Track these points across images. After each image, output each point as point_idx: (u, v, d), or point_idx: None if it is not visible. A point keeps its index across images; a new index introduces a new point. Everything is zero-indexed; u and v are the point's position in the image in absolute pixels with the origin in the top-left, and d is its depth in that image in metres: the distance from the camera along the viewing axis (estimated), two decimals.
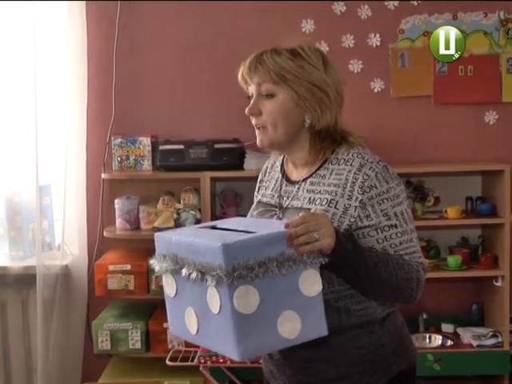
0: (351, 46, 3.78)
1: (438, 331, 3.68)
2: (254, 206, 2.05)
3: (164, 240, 1.72)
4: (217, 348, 1.64)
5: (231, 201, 3.74)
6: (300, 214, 1.65)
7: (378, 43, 3.79)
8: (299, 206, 1.86)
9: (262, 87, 1.84)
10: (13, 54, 3.72)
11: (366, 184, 1.78)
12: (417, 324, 3.68)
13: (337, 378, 1.84)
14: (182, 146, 3.60)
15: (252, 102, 1.86)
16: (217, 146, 3.60)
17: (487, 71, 3.79)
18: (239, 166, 3.58)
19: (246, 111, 1.88)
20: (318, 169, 1.88)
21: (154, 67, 3.85)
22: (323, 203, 1.81)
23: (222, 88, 3.79)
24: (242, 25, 3.79)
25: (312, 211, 1.74)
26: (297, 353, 1.78)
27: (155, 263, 1.72)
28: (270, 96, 1.84)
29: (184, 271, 1.60)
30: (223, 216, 3.68)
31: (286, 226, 1.60)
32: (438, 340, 3.60)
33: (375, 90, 3.81)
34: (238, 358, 1.55)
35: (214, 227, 1.73)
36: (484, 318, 3.77)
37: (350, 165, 1.82)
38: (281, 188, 1.97)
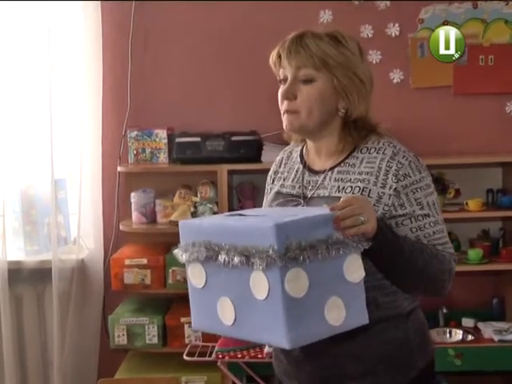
0: (370, 36, 3.72)
1: (459, 326, 3.62)
2: (271, 196, 2.00)
3: (191, 227, 1.65)
4: (260, 337, 1.57)
5: (248, 194, 3.70)
6: (342, 199, 1.61)
7: (397, 33, 3.73)
8: (326, 194, 1.83)
9: (301, 71, 1.80)
10: (28, 49, 3.69)
11: (400, 172, 1.77)
12: (437, 318, 3.63)
13: (361, 374, 1.80)
14: (198, 139, 3.56)
15: (287, 85, 1.82)
16: (234, 138, 3.55)
17: (508, 61, 3.72)
18: (257, 159, 3.54)
19: (281, 94, 1.84)
20: (346, 158, 1.85)
21: (170, 60, 3.82)
22: (355, 191, 1.78)
23: (238, 80, 3.75)
24: (258, 16, 3.74)
25: (351, 196, 1.72)
26: (320, 348, 1.72)
27: (181, 253, 1.65)
28: (309, 81, 1.80)
29: (223, 257, 1.53)
30: (241, 209, 3.64)
31: (332, 209, 1.57)
32: (458, 335, 3.54)
33: (394, 81, 3.76)
34: (288, 346, 1.49)
35: (241, 214, 1.67)
36: (505, 313, 3.71)
37: (383, 153, 1.80)
38: (303, 178, 1.92)
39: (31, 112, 3.74)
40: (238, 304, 1.57)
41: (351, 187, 1.80)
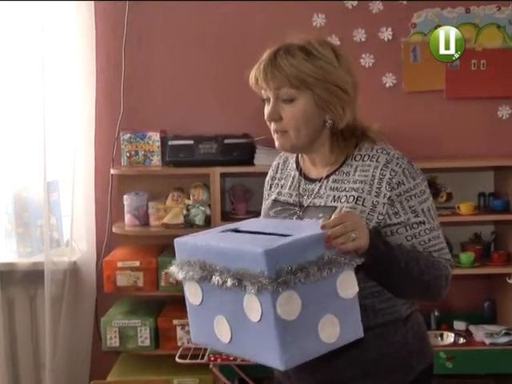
0: (363, 40, 3.74)
1: (450, 329, 3.63)
2: (268, 204, 1.99)
3: (186, 245, 1.65)
4: (255, 357, 1.58)
5: (241, 196, 3.71)
6: (334, 215, 1.62)
7: (390, 37, 3.75)
8: (322, 204, 1.82)
9: (281, 91, 1.78)
10: (21, 51, 3.68)
11: (393, 180, 1.76)
12: (429, 321, 3.63)
13: (359, 376, 1.80)
14: (191, 142, 3.56)
15: (271, 106, 1.80)
16: (226, 141, 3.56)
17: (500, 65, 3.74)
18: (249, 162, 3.54)
19: (266, 117, 1.82)
20: (341, 166, 1.84)
21: (163, 62, 3.82)
22: (349, 200, 1.77)
23: (231, 83, 3.75)
24: (251, 19, 3.75)
25: (342, 211, 1.72)
26: None
27: (177, 271, 1.64)
28: (290, 101, 1.78)
29: (216, 278, 1.54)
30: (233, 212, 3.65)
31: (323, 227, 1.56)
32: (450, 338, 3.55)
33: (387, 85, 3.77)
34: (282, 368, 1.51)
35: (236, 230, 1.67)
36: (496, 316, 3.72)
37: (376, 161, 1.79)
38: (299, 186, 1.92)
39: (24, 114, 3.72)
40: (234, 324, 1.58)
41: (346, 196, 1.79)
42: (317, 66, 1.76)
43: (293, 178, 1.96)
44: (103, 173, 3.76)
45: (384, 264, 1.67)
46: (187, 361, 3.27)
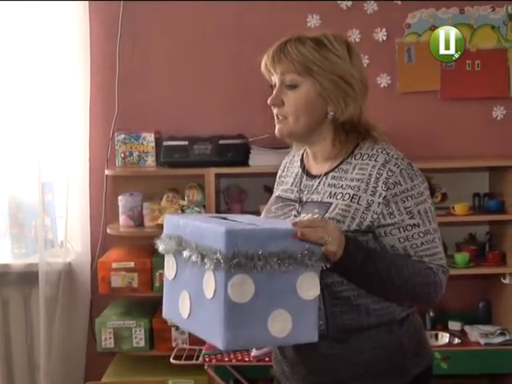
0: (357, 40, 3.73)
1: (445, 329, 3.64)
2: (271, 200, 2.01)
3: (172, 222, 1.73)
4: (204, 335, 1.63)
5: (236, 197, 3.71)
6: (309, 215, 1.64)
7: (385, 38, 3.75)
8: (319, 199, 1.83)
9: (286, 77, 1.81)
10: (15, 50, 3.67)
11: (390, 180, 1.75)
12: (424, 322, 3.61)
13: (353, 378, 1.80)
14: (186, 142, 3.56)
15: (275, 92, 1.83)
16: (221, 141, 3.55)
17: (495, 66, 3.75)
18: (244, 162, 3.54)
19: (269, 101, 1.84)
20: (341, 163, 1.84)
21: (158, 63, 3.81)
22: (345, 198, 1.77)
23: (226, 83, 3.76)
24: (247, 20, 3.75)
25: (321, 217, 1.73)
26: (313, 350, 1.74)
27: (160, 243, 1.73)
28: (294, 87, 1.80)
29: (185, 253, 1.60)
30: (228, 212, 3.64)
31: (295, 224, 1.58)
32: (445, 338, 3.56)
33: (381, 85, 3.77)
34: (222, 347, 1.54)
35: (224, 218, 1.71)
36: (491, 316, 3.73)
37: (375, 160, 1.78)
38: (301, 182, 1.93)
39: (18, 114, 3.71)
40: (194, 300, 1.63)
41: (342, 193, 1.79)
42: (324, 56, 1.78)
43: (296, 175, 1.97)
44: (98, 173, 3.75)
45: (360, 275, 1.68)
46: (182, 362, 3.27)
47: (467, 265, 3.52)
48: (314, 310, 1.60)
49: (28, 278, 3.64)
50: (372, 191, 1.76)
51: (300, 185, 1.93)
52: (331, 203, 1.78)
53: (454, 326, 3.65)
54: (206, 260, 1.53)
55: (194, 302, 1.63)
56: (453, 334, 3.58)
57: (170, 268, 1.73)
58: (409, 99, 3.78)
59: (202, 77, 3.79)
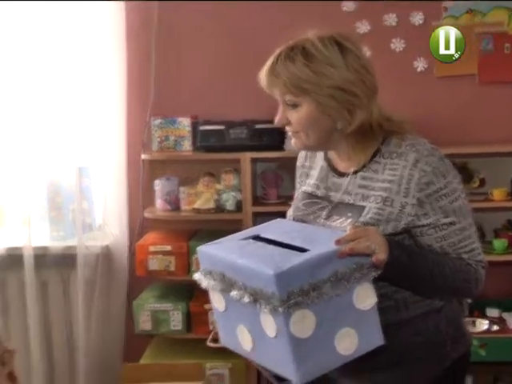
0: (394, 24, 3.70)
1: (483, 316, 3.60)
2: (298, 196, 1.99)
3: (208, 255, 1.68)
4: (275, 368, 1.62)
5: (272, 181, 3.71)
6: (350, 228, 1.61)
7: (421, 21, 3.71)
8: (351, 202, 1.80)
9: (285, 97, 1.78)
10: (52, 37, 3.70)
11: (422, 181, 1.72)
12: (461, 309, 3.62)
13: (390, 364, 1.80)
14: (222, 127, 3.57)
15: (279, 112, 1.82)
16: (257, 126, 3.56)
17: None
18: (279, 147, 3.54)
19: (275, 123, 1.83)
20: (369, 162, 1.81)
21: (194, 48, 3.81)
22: (378, 201, 1.75)
23: (260, 68, 3.74)
24: (283, 7, 3.72)
25: (358, 224, 1.71)
26: None
27: (202, 278, 1.68)
28: (295, 106, 1.77)
29: (234, 293, 1.56)
30: (264, 197, 3.65)
31: (337, 242, 1.56)
32: (483, 325, 3.52)
33: (418, 70, 3.73)
34: (299, 383, 1.53)
35: (257, 237, 1.69)
36: None
37: (405, 160, 1.75)
38: (327, 178, 1.90)
39: (57, 101, 3.75)
40: (254, 335, 1.61)
41: (374, 196, 1.76)
42: (316, 71, 1.72)
43: (320, 169, 1.94)
44: (134, 158, 3.78)
45: (406, 276, 1.68)
46: (219, 344, 3.27)
47: (505, 251, 3.49)
48: (375, 317, 1.60)
49: (66, 260, 3.69)
50: (405, 193, 1.73)
51: (327, 181, 1.90)
52: (364, 206, 1.76)
53: (492, 312, 3.62)
54: (260, 302, 1.50)
55: (255, 338, 1.61)
56: (491, 321, 3.55)
57: (217, 301, 1.69)
58: (446, 83, 3.74)
59: (236, 62, 3.78)
